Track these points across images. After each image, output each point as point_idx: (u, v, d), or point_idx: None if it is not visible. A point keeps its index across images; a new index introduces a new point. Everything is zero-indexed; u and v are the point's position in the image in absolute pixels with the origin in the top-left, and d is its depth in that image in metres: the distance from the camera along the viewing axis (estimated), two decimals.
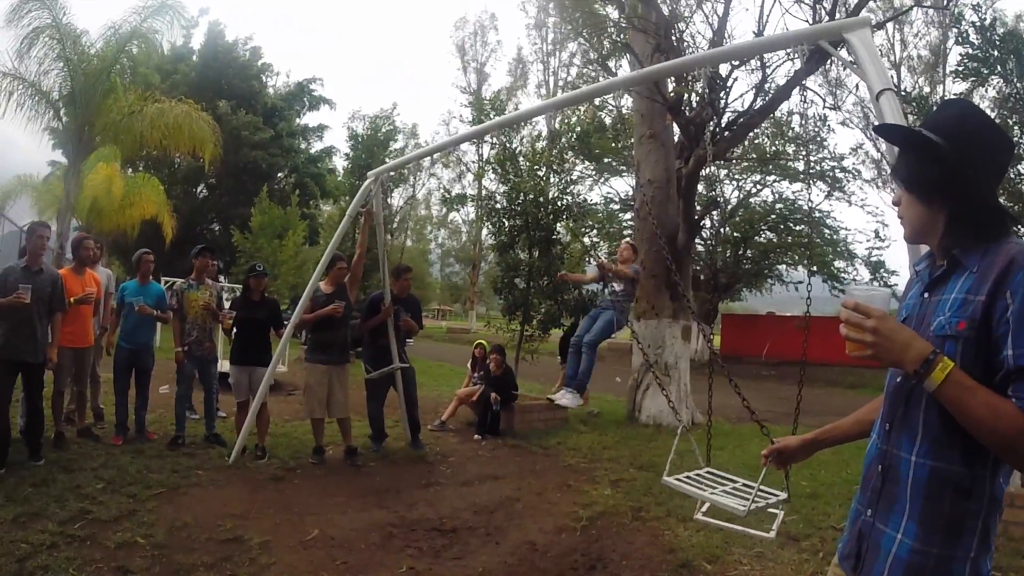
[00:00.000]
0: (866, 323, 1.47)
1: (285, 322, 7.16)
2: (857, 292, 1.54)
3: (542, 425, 9.10)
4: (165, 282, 7.43)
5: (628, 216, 25.47)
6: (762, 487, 3.73)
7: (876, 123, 2.30)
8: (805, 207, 24.34)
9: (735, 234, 25.99)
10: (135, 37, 14.04)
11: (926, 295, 1.65)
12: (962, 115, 1.66)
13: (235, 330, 6.99)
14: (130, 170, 23.74)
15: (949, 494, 1.53)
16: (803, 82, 11.12)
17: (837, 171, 23.08)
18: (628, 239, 8.20)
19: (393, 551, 4.52)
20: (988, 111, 11.16)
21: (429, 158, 34.86)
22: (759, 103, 11.46)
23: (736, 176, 24.86)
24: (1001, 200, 1.64)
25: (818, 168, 22.67)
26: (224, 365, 7.69)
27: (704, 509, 4.15)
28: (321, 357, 6.74)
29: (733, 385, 4.09)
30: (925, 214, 1.63)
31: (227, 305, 7.50)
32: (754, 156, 23.06)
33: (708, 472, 4.26)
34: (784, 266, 26.97)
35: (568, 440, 8.36)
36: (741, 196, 25.86)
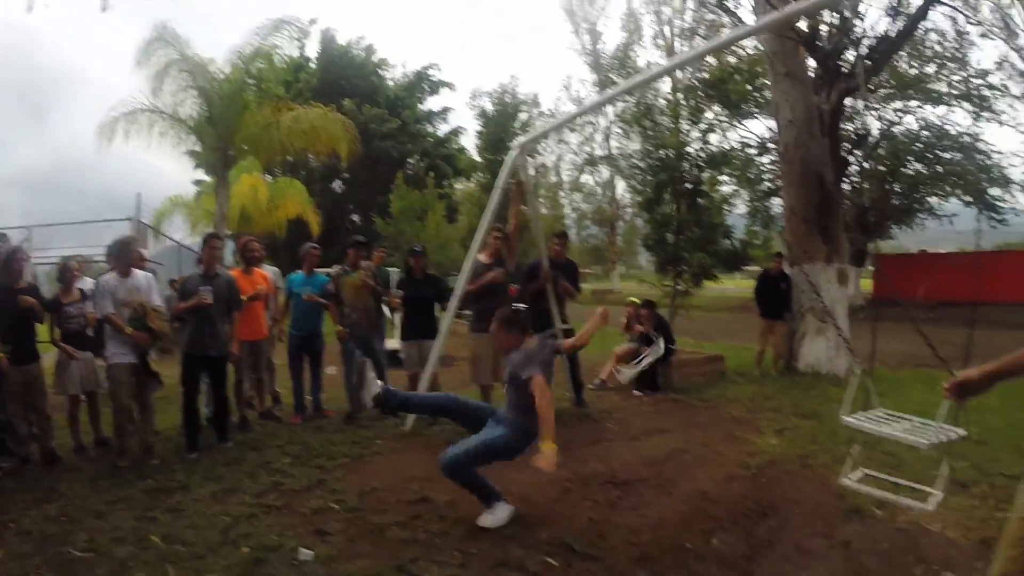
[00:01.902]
0: None
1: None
2: None
3: (701, 378, 9.10)
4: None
5: (767, 160, 24.40)
6: (942, 425, 3.62)
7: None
8: (952, 132, 22.44)
9: (880, 168, 24.18)
10: (258, 56, 14.92)
11: None
12: None
13: (403, 308, 7.32)
14: (269, 177, 25.15)
15: None
16: None
17: (983, 89, 20.84)
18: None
19: (571, 503, 4.64)
20: None
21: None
22: (895, 27, 10.77)
23: (875, 106, 22.71)
24: None
25: (962, 88, 20.75)
26: (390, 343, 8.05)
27: (852, 475, 4.06)
28: (485, 327, 6.88)
29: (917, 329, 3.94)
30: None
31: (394, 285, 7.86)
32: (892, 83, 21.16)
33: (884, 412, 4.17)
34: (935, 198, 25.00)
35: (728, 392, 8.29)
36: (883, 127, 23.83)
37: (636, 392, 8.38)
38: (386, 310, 8.10)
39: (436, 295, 7.38)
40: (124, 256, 5.86)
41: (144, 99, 14.15)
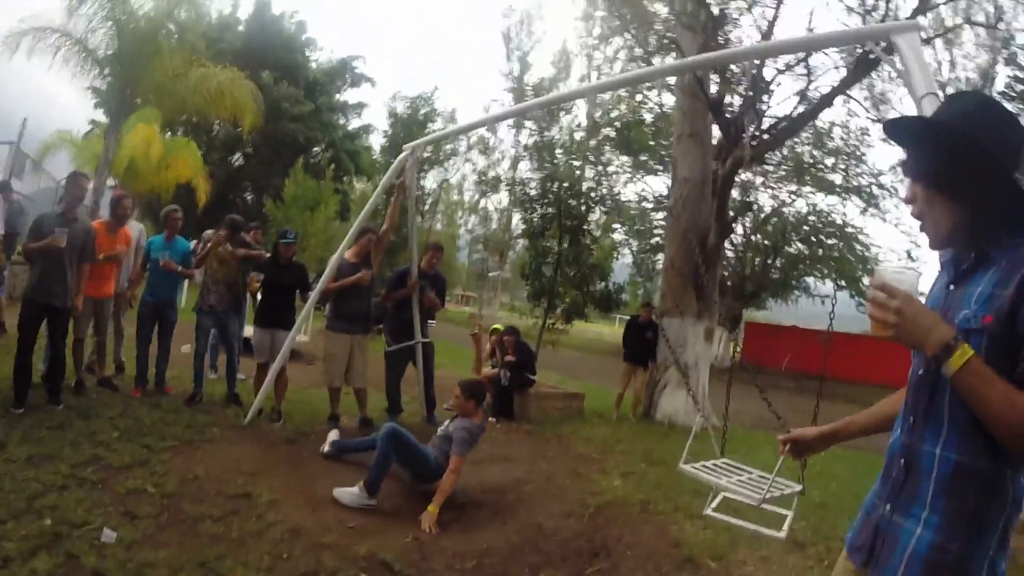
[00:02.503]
0: (891, 303, 1.46)
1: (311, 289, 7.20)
2: (887, 271, 1.53)
3: (557, 413, 9.12)
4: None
5: (661, 216, 25.16)
6: (777, 478, 3.72)
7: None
8: (838, 221, 24.02)
9: (766, 242, 25.56)
10: (184, 2, 14.17)
11: (952, 287, 1.60)
12: (982, 104, 1.60)
13: (261, 293, 7.03)
14: (169, 133, 23.94)
15: (973, 490, 1.49)
16: (847, 91, 10.98)
17: (874, 187, 22.25)
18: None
19: (401, 521, 4.55)
20: None
21: (466, 142, 34.66)
22: (801, 109, 11.33)
23: (772, 185, 24.26)
24: None
25: (855, 183, 22.14)
26: (249, 331, 7.75)
27: (715, 504, 4.13)
28: (343, 326, 6.73)
29: (758, 388, 4.07)
30: (951, 210, 1.56)
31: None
32: (790, 164, 22.37)
33: (724, 463, 4.27)
34: (812, 279, 26.61)
35: (582, 430, 8.32)
36: (775, 205, 25.21)
37: (490, 418, 8.33)
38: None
39: (298, 284, 7.11)
40: None
41: (57, 18, 13.17)
